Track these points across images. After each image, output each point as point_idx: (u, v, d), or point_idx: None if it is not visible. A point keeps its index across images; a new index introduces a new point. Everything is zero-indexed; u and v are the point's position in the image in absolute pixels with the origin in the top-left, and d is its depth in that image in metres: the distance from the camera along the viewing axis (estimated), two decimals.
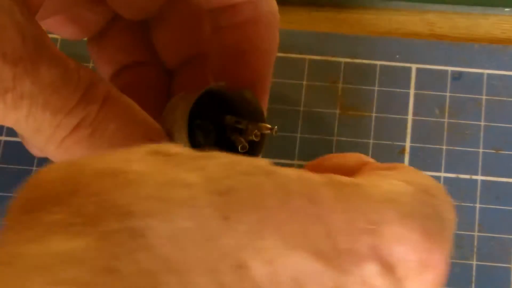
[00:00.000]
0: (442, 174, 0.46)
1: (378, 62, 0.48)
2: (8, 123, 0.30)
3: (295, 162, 0.46)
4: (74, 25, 0.38)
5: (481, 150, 0.46)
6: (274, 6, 0.37)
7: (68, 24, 0.38)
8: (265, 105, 0.38)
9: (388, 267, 0.23)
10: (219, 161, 0.22)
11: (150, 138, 0.32)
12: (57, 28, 0.39)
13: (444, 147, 0.46)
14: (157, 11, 0.39)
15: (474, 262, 0.44)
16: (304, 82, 0.48)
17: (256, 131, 0.36)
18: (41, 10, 0.31)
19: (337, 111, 0.47)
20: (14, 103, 0.29)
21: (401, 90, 0.48)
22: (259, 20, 0.36)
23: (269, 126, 0.36)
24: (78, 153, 0.31)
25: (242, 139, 0.36)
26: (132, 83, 0.39)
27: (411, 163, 0.46)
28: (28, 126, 0.30)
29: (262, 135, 0.36)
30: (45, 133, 0.30)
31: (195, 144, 0.36)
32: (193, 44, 0.39)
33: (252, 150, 0.37)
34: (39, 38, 0.29)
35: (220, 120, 0.37)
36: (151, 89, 0.40)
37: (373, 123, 0.47)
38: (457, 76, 0.48)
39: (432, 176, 0.46)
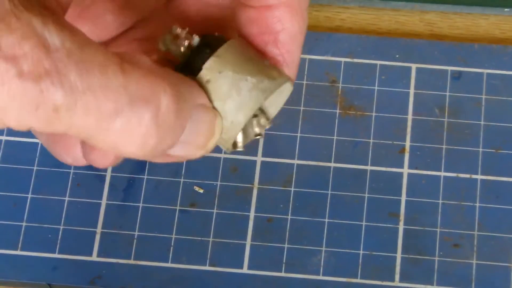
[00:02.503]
0: (442, 174, 0.46)
1: (378, 62, 0.48)
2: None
3: (295, 161, 0.46)
4: (90, 25, 0.37)
5: (480, 150, 0.46)
6: None
7: (85, 22, 0.38)
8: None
9: None
10: None
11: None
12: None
13: (444, 146, 0.46)
14: None
15: (474, 261, 0.44)
16: (304, 82, 0.48)
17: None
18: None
19: (337, 111, 0.47)
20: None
21: (401, 90, 0.48)
22: (290, 4, 0.36)
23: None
24: (128, 149, 0.31)
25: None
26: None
27: (411, 162, 0.46)
28: (77, 134, 0.30)
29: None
30: (95, 140, 0.30)
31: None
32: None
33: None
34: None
35: None
36: None
37: (373, 122, 0.47)
38: (456, 76, 0.48)
39: (432, 176, 0.46)
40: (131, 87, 0.30)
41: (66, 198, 0.46)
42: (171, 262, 0.44)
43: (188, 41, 0.37)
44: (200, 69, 0.35)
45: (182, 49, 0.36)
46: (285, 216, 0.45)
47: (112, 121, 0.30)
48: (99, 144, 0.30)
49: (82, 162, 0.34)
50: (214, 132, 0.35)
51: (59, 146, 0.36)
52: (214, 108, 0.35)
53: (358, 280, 0.44)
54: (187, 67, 0.36)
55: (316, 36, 0.49)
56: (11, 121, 0.29)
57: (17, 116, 0.29)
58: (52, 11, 0.29)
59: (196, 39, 0.37)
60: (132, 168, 0.47)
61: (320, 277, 0.44)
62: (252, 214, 0.45)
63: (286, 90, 0.37)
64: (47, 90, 0.28)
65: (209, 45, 0.37)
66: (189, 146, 0.34)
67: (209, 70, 0.36)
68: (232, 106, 0.36)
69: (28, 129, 0.29)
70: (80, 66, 0.29)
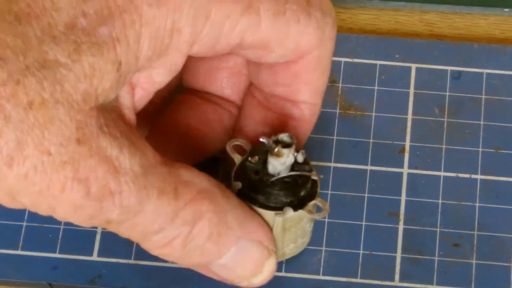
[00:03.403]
0: (442, 174, 0.46)
1: (378, 62, 0.48)
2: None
3: None
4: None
5: (480, 149, 0.46)
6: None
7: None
8: None
9: None
10: None
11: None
12: None
13: (443, 146, 0.46)
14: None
15: (474, 261, 0.44)
16: None
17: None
18: None
19: (337, 111, 0.47)
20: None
21: (401, 90, 0.48)
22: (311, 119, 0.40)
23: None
24: (169, 258, 0.35)
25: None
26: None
27: (411, 162, 0.46)
28: (119, 231, 0.33)
29: None
30: (135, 241, 0.34)
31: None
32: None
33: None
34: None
35: None
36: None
37: (373, 122, 0.47)
38: (456, 76, 0.48)
39: (432, 176, 0.46)
40: (179, 211, 0.32)
41: None
42: (172, 262, 0.44)
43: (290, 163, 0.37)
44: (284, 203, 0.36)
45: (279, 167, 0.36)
46: None
47: (155, 236, 0.33)
48: (142, 246, 0.34)
49: None
50: (261, 269, 0.36)
51: None
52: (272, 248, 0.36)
53: (358, 280, 0.44)
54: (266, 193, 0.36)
55: None
56: (61, 219, 0.31)
57: (69, 219, 0.31)
58: (128, 131, 0.31)
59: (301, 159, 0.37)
60: None
61: (320, 277, 0.44)
62: None
63: None
64: (106, 208, 0.30)
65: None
66: (232, 273, 0.35)
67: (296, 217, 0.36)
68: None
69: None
70: (142, 192, 0.31)
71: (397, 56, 0.48)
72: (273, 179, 0.36)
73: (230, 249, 0.34)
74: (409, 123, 0.47)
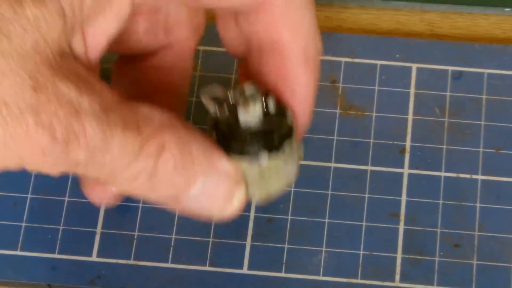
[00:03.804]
0: (443, 174, 0.46)
1: (378, 62, 0.48)
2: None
3: None
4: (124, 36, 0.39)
5: (481, 150, 0.46)
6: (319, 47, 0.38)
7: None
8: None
9: None
10: None
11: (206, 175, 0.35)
12: None
13: (444, 146, 0.46)
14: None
15: (475, 262, 0.44)
16: None
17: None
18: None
19: (337, 111, 0.47)
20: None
21: (401, 90, 0.48)
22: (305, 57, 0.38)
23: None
24: (138, 193, 0.35)
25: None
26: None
27: (412, 162, 0.46)
28: (88, 177, 0.34)
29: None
30: (104, 181, 0.34)
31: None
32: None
33: None
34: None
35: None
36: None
37: (373, 123, 0.47)
38: (457, 76, 0.48)
39: (433, 176, 0.46)
40: (143, 145, 0.33)
41: (66, 198, 0.46)
42: (171, 262, 0.44)
43: (259, 106, 0.36)
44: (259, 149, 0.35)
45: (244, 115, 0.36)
46: (285, 216, 0.45)
47: (123, 172, 0.33)
48: (107, 183, 0.35)
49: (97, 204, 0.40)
50: (231, 200, 0.36)
51: (84, 185, 0.40)
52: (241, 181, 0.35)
53: (358, 280, 0.43)
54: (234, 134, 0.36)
55: None
56: (31, 168, 0.32)
57: (38, 167, 0.32)
58: (85, 75, 0.32)
59: (271, 105, 0.37)
60: None
61: (320, 277, 0.44)
62: (252, 214, 0.45)
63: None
64: (72, 151, 0.31)
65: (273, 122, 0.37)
66: (204, 206, 0.35)
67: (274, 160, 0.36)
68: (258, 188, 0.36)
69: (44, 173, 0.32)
70: (106, 131, 0.31)
71: (397, 56, 0.48)
72: (245, 128, 0.36)
73: (197, 180, 0.35)
74: (409, 123, 0.47)
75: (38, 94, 0.30)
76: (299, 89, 0.37)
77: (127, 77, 0.41)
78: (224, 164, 0.35)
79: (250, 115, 0.35)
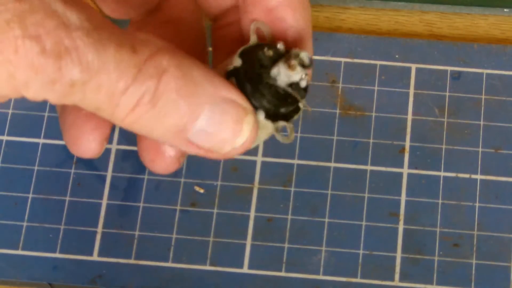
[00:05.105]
0: (442, 173, 0.46)
1: (378, 62, 0.49)
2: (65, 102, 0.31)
3: (295, 161, 0.46)
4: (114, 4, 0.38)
5: (480, 150, 0.46)
6: None
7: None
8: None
9: None
10: None
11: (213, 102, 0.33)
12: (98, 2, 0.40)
13: (443, 146, 0.46)
14: None
15: (474, 261, 0.44)
16: None
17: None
18: None
19: (337, 111, 0.47)
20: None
21: (401, 90, 0.48)
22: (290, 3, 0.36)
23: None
24: (143, 126, 0.32)
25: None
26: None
27: (411, 162, 0.46)
28: (88, 107, 0.32)
29: None
30: (105, 113, 0.32)
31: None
32: None
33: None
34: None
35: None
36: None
37: (373, 123, 0.47)
38: (456, 76, 0.48)
39: (432, 175, 0.46)
40: (141, 66, 0.31)
41: (67, 198, 0.46)
42: (172, 262, 0.44)
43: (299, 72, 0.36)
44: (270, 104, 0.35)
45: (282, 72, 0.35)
46: (285, 216, 0.45)
47: (121, 98, 0.31)
48: (109, 118, 0.32)
49: (84, 154, 0.36)
50: (241, 128, 0.35)
51: (69, 134, 0.37)
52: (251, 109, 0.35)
53: (358, 280, 0.44)
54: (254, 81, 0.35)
55: (316, 36, 0.49)
56: (29, 94, 0.30)
57: (35, 90, 0.30)
58: None
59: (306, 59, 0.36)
60: (133, 168, 0.47)
61: (320, 277, 0.44)
62: (252, 214, 0.45)
63: None
64: (66, 66, 0.30)
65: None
66: (213, 138, 0.34)
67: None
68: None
69: (43, 100, 0.30)
70: (98, 45, 0.30)
71: (397, 56, 0.48)
72: (270, 80, 0.35)
73: (203, 108, 0.33)
74: (409, 123, 0.47)
75: (23, 4, 0.29)
76: (292, 36, 0.36)
77: None
78: (230, 91, 0.34)
79: (289, 75, 0.35)
